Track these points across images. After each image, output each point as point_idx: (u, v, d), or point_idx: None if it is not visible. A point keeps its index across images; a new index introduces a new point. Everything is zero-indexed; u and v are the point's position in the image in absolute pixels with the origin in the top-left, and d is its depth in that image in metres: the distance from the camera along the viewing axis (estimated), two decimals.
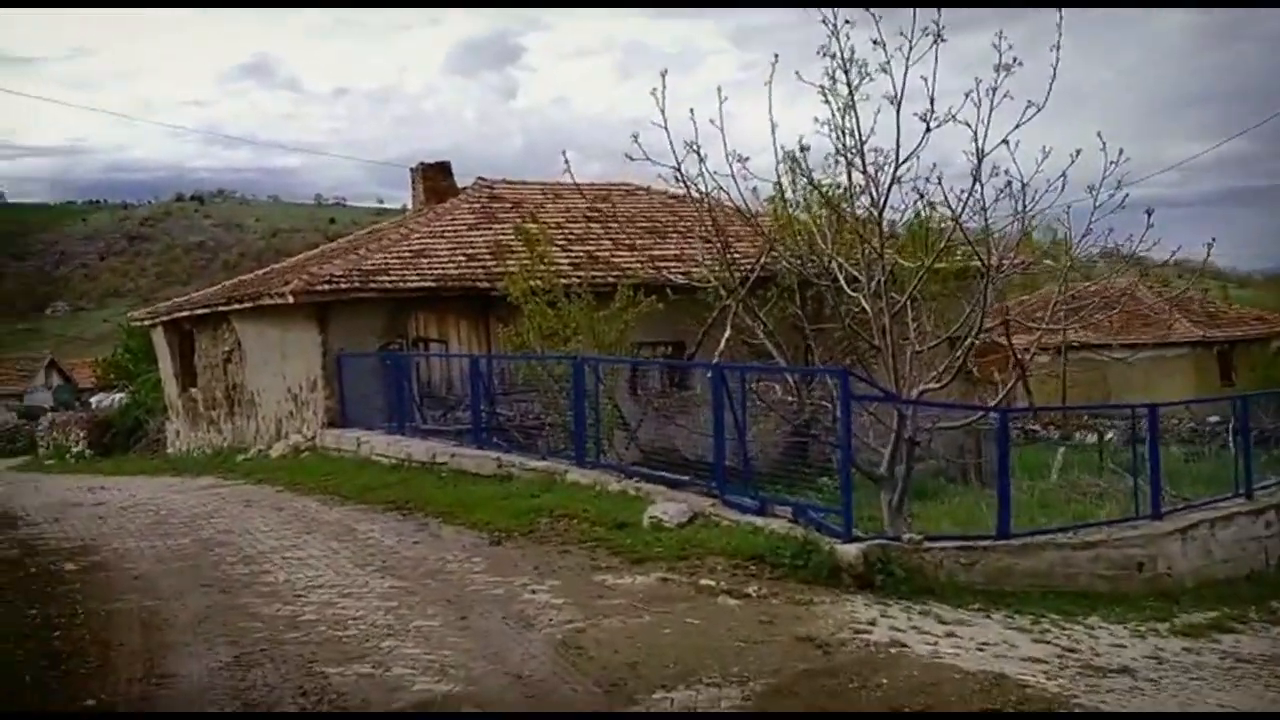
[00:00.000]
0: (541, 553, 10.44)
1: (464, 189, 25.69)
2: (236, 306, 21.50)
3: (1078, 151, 12.25)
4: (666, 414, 17.91)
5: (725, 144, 12.99)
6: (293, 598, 8.97)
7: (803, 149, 12.98)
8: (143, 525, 13.35)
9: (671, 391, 19.00)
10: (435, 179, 26.27)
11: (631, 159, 12.89)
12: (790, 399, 13.06)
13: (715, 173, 13.21)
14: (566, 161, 15.50)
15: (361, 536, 11.72)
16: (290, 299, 18.80)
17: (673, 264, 21.48)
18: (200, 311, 23.65)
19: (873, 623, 8.32)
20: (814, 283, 13.62)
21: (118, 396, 38.90)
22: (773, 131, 12.64)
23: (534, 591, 8.94)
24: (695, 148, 12.77)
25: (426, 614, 8.35)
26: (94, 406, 41.84)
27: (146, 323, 28.23)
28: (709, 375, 11.71)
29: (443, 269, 20.29)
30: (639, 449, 16.23)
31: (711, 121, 13.02)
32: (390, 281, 19.46)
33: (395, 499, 13.76)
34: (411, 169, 26.84)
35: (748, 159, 12.87)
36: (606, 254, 22.09)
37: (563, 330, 16.20)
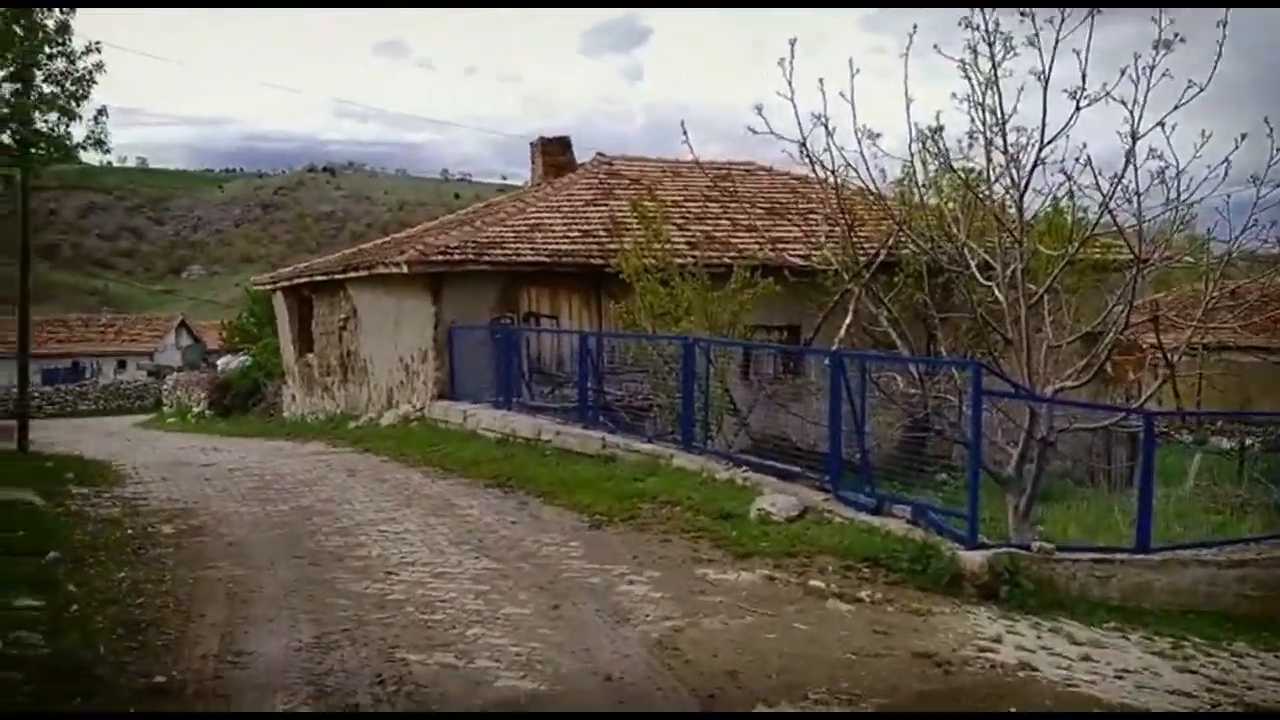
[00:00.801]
0: (642, 540, 9.96)
1: (582, 164, 25.34)
2: (353, 275, 21.54)
3: (1242, 136, 11.22)
4: (779, 400, 17.29)
5: (855, 119, 12.25)
6: (383, 575, 8.67)
7: (938, 128, 12.15)
8: (246, 489, 13.31)
9: (785, 377, 18.35)
10: (555, 153, 25.94)
11: (755, 132, 12.26)
12: (913, 391, 12.30)
13: (842, 149, 12.46)
14: (685, 133, 14.77)
15: (460, 512, 11.42)
16: (404, 269, 18.68)
17: (792, 246, 20.78)
18: (319, 278, 23.81)
19: (998, 639, 7.62)
20: (946, 269, 12.78)
21: (240, 359, 39.78)
22: (907, 107, 11.89)
23: (631, 583, 8.47)
24: (823, 121, 12.05)
25: (518, 600, 7.95)
26: (219, 368, 42.99)
27: (268, 287, 28.65)
28: (827, 363, 11.05)
29: (557, 244, 19.95)
30: (749, 436, 15.66)
31: (841, 94, 12.29)
32: (504, 255, 19.19)
33: (498, 475, 13.47)
34: (531, 143, 26.55)
35: (879, 135, 12.11)
36: (724, 234, 21.46)
37: (675, 310, 15.69)
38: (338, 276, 22.42)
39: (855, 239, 13.90)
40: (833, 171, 12.73)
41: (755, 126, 12.31)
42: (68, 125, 10.23)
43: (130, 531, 10.41)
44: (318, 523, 10.96)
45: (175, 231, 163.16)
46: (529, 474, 13.25)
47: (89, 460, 17.13)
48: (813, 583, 8.59)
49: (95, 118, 11.09)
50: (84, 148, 12.29)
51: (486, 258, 18.89)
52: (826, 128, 12.09)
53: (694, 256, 18.18)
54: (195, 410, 32.82)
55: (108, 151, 12.00)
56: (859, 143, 12.37)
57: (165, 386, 40.03)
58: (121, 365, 63.03)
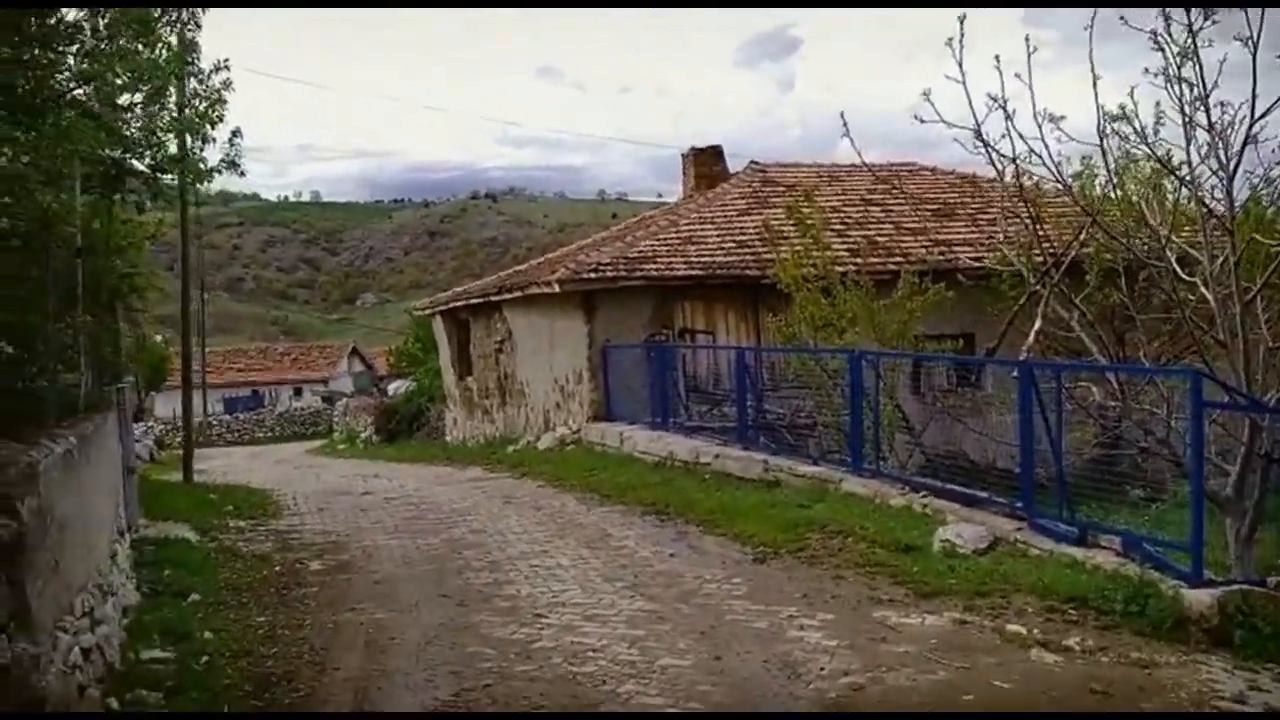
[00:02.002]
0: (812, 576, 9.04)
1: (735, 174, 24.53)
2: (507, 296, 21.28)
3: None
4: (955, 415, 16.04)
5: (1034, 102, 11.06)
6: (531, 618, 8.02)
7: (1131, 106, 10.83)
8: (399, 521, 12.97)
9: (960, 390, 17.07)
10: (707, 164, 25.23)
11: (921, 121, 11.21)
12: (1113, 403, 10.99)
13: (1021, 135, 11.25)
14: (845, 124, 13.74)
15: (615, 544, 10.73)
16: (556, 288, 18.25)
17: (962, 249, 19.49)
18: (474, 301, 23.70)
19: (1240, 699, 6.41)
20: (1146, 263, 11.41)
21: (406, 384, 40.41)
22: (1094, 84, 10.62)
23: (802, 627, 7.57)
24: (1001, 103, 10.88)
25: (676, 649, 7.17)
26: (390, 393, 43.87)
27: (427, 312, 28.84)
28: (1014, 374, 9.91)
29: (711, 256, 19.22)
30: (923, 454, 14.49)
31: (1017, 75, 11.14)
32: (657, 269, 18.57)
33: (655, 501, 12.76)
34: (683, 154, 25.93)
35: (1062, 118, 10.87)
36: (887, 238, 20.34)
37: (837, 321, 14.69)
38: (493, 299, 22.21)
39: (1040, 235, 12.60)
40: (1013, 159, 11.51)
41: (922, 115, 11.26)
42: (202, 148, 10.07)
43: (278, 569, 10.11)
44: (468, 557, 10.44)
45: (349, 261, 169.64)
46: (687, 500, 12.49)
47: (252, 490, 17.22)
48: (1011, 628, 7.51)
49: (230, 139, 10.97)
50: (219, 171, 12.20)
51: (639, 273, 18.29)
52: (1005, 109, 10.90)
53: (856, 264, 17.14)
54: (363, 436, 33.36)
55: (243, 174, 11.83)
56: (1039, 128, 11.16)
57: (335, 413, 40.98)
58: (298, 392, 65.32)
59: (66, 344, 6.90)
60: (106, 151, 7.96)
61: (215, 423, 48.59)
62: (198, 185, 10.55)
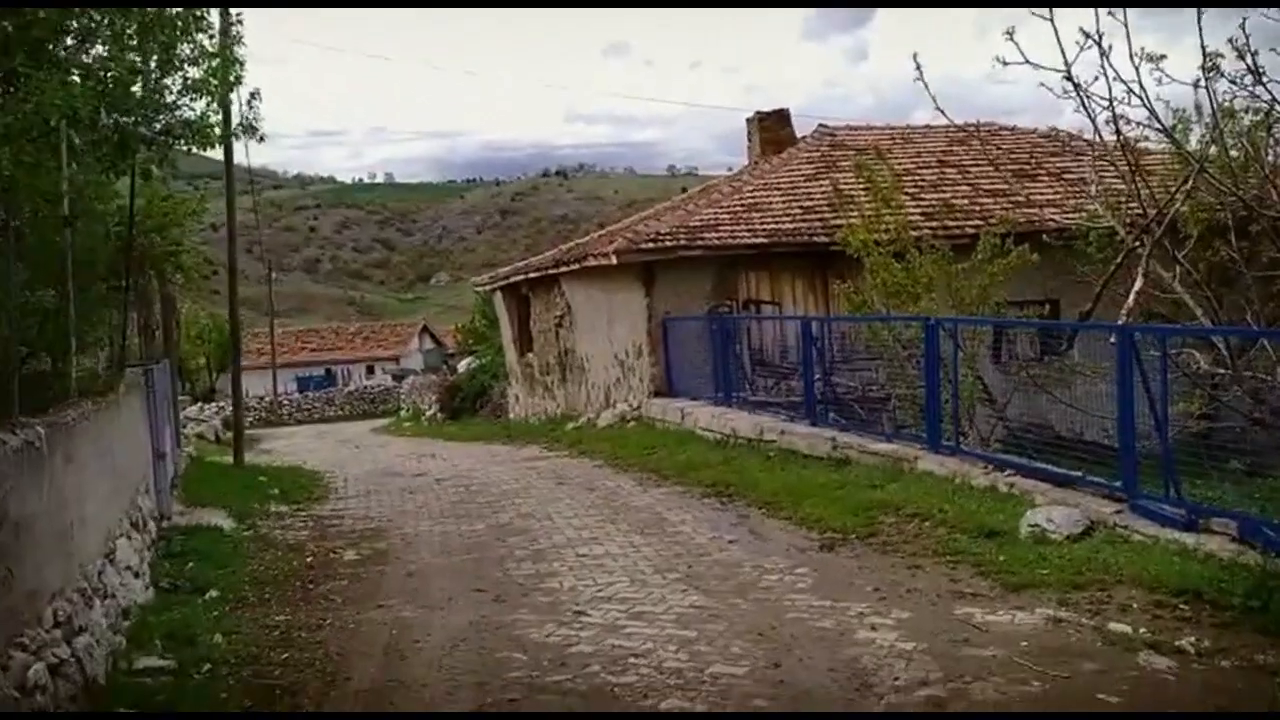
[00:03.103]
0: (885, 566, 8.18)
1: (803, 138, 23.46)
2: (565, 269, 20.56)
3: None
4: (1041, 385, 14.94)
5: (1129, 40, 9.97)
6: (572, 615, 7.28)
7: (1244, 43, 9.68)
8: (446, 504, 12.35)
9: (1046, 359, 15.93)
10: (773, 129, 24.14)
11: (1005, 63, 10.17)
12: (1221, 370, 9.91)
13: (1117, 77, 10.15)
14: (919, 67, 12.58)
15: (670, 530, 9.96)
16: (613, 259, 17.46)
17: (1045, 210, 18.30)
18: (534, 275, 23.02)
19: None
20: (1259, 214, 10.27)
21: (473, 361, 40.03)
22: (1199, 17, 9.50)
23: (874, 627, 6.72)
24: (1096, 39, 9.77)
25: (729, 653, 6.36)
26: (459, 370, 43.59)
27: (488, 287, 28.27)
28: (1112, 339, 8.89)
29: (776, 223, 18.28)
30: (1006, 428, 13.46)
31: (1110, 13, 10.04)
32: (718, 238, 17.68)
33: (715, 481, 11.98)
34: (748, 119, 24.87)
35: (1162, 57, 9.75)
36: (965, 201, 19.21)
37: (912, 287, 13.66)
38: (551, 272, 21.51)
39: (1140, 185, 11.45)
40: (1109, 103, 10.40)
41: (1005, 57, 10.21)
42: (217, 111, 9.43)
43: (310, 559, 9.51)
44: (511, 544, 9.74)
45: (422, 241, 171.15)
46: (750, 480, 11.68)
47: (304, 472, 16.76)
48: (1114, 626, 6.58)
49: (249, 101, 10.35)
50: (236, 135, 11.55)
51: (699, 242, 17.43)
52: (1101, 46, 9.81)
53: (930, 227, 16.10)
54: (427, 413, 33.02)
55: (262, 139, 11.19)
56: (1136, 70, 10.06)
57: (402, 390, 40.79)
58: (370, 370, 65.63)
59: (40, 321, 6.28)
60: (105, 115, 7.35)
61: (285, 401, 48.84)
62: (207, 150, 9.91)
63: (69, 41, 7.12)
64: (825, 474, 11.39)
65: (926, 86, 12.57)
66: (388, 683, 6.01)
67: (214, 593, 7.88)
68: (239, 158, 18.13)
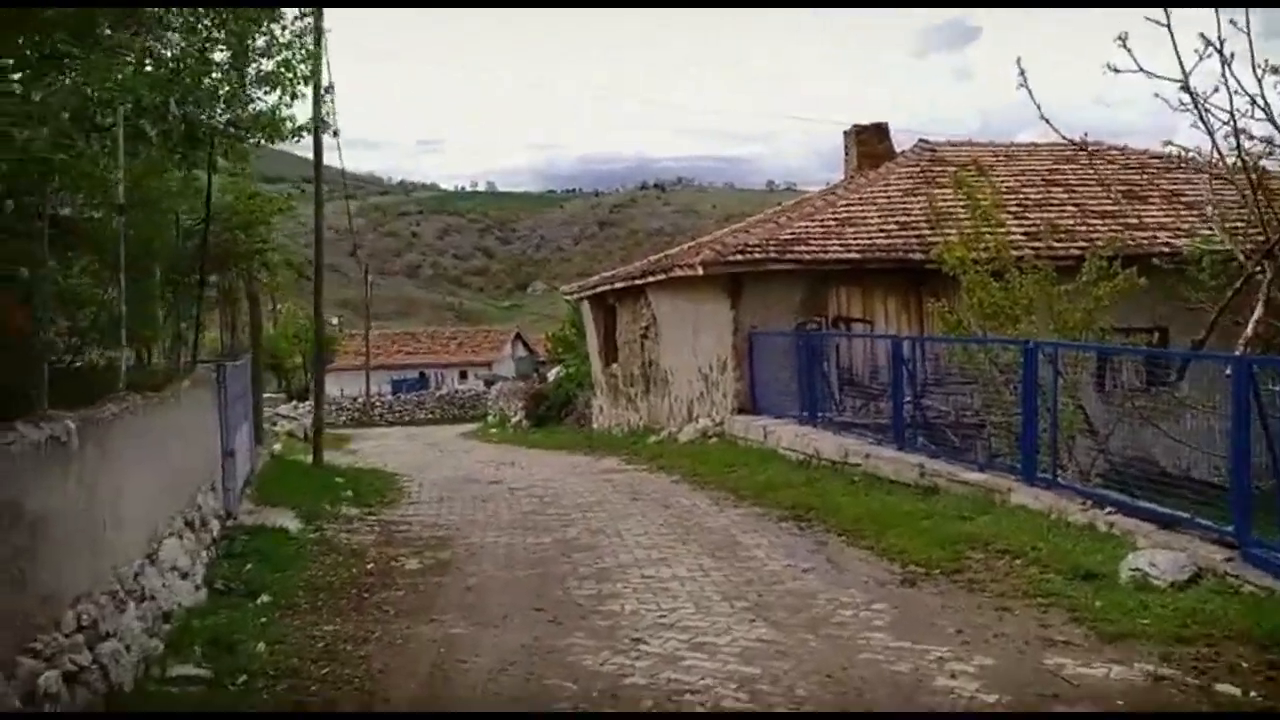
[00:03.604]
0: (970, 606, 7.60)
1: (902, 153, 22.77)
2: (651, 279, 20.23)
3: None
4: (1146, 417, 14.09)
5: (1252, 52, 9.23)
6: (630, 643, 6.87)
7: None
8: (516, 515, 12.07)
9: (1153, 390, 15.04)
10: (870, 142, 23.48)
11: (1116, 71, 9.52)
12: None
13: (1242, 86, 9.41)
14: (1022, 73, 11.87)
15: (743, 554, 9.50)
16: (699, 270, 17.06)
17: (1156, 232, 17.40)
18: (620, 285, 22.72)
19: None
20: None
21: (560, 370, 39.97)
22: None
23: (954, 675, 6.18)
24: (1217, 46, 9.07)
25: (794, 695, 5.90)
26: (548, 378, 43.61)
27: (575, 296, 28.09)
28: (1228, 371, 8.19)
29: (870, 239, 17.69)
30: (1108, 462, 12.67)
31: (1232, 21, 9.32)
32: (809, 252, 17.16)
33: (795, 505, 11.48)
34: (845, 132, 24.25)
35: None
36: (1070, 221, 18.35)
37: (1010, 308, 12.97)
38: (637, 282, 21.19)
39: (1261, 208, 10.66)
40: (1230, 117, 9.67)
41: (1117, 65, 9.55)
42: (289, 105, 9.30)
43: (370, 566, 9.27)
44: (575, 561, 9.39)
45: (521, 250, 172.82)
46: (831, 505, 11.15)
47: (381, 475, 16.67)
48: (1221, 688, 5.94)
49: (325, 95, 10.16)
50: (307, 130, 11.40)
51: (789, 255, 16.93)
52: (1222, 54, 9.10)
53: (1034, 247, 15.35)
54: (513, 420, 32.96)
55: (336, 134, 11.05)
56: (1259, 82, 9.32)
57: (490, 396, 40.89)
58: (463, 375, 66.18)
59: (95, 313, 6.09)
60: (175, 105, 7.20)
61: (378, 403, 49.38)
62: (273, 143, 9.76)
63: (117, 28, 6.90)
64: (911, 502, 10.81)
65: (1031, 94, 11.92)
66: (426, 706, 5.68)
67: (266, 597, 7.67)
68: (343, 162, 18.21)
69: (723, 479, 13.72)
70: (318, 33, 17.76)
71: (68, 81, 5.30)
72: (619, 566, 9.11)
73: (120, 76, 6.64)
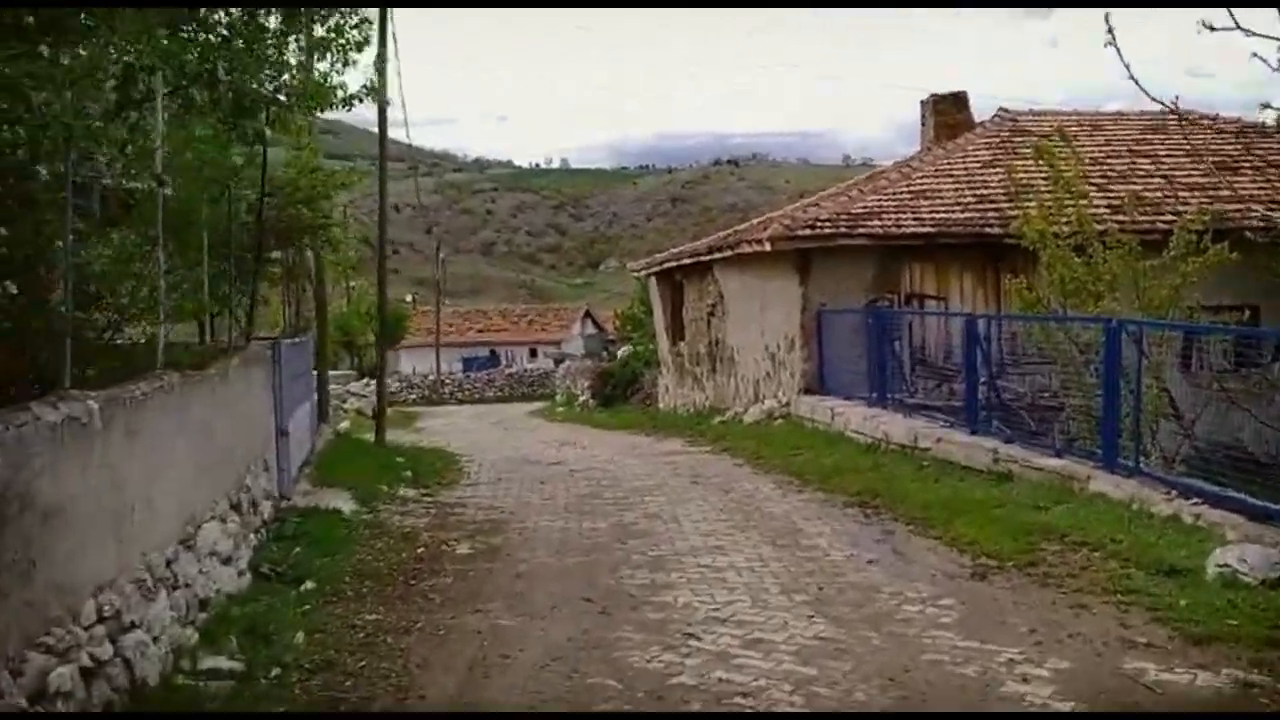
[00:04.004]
0: (1044, 603, 7.16)
1: (981, 123, 21.99)
2: (718, 255, 19.82)
3: None
4: (1235, 401, 13.38)
5: None
6: (681, 638, 6.57)
7: None
8: (574, 498, 11.83)
9: (1243, 371, 14.31)
10: (948, 112, 22.65)
11: (1211, 29, 8.85)
12: None
13: None
14: (1110, 30, 11.12)
15: (805, 543, 9.13)
16: (767, 246, 16.62)
17: (1248, 205, 16.54)
18: (687, 262, 22.34)
19: None
20: None
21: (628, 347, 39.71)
22: None
23: (1026, 679, 5.77)
24: None
25: (852, 699, 5.55)
26: (617, 356, 43.39)
27: (642, 273, 27.78)
28: None
29: (946, 212, 17.09)
30: (1194, 448, 12.04)
31: None
32: (881, 226, 16.61)
33: (861, 491, 11.07)
34: (921, 102, 23.46)
35: None
36: (1157, 193, 17.54)
37: (1093, 284, 12.36)
38: (704, 259, 20.79)
39: None
40: None
41: (1212, 22, 8.87)
42: (340, 72, 9.07)
43: (421, 550, 9.08)
44: (630, 548, 9.10)
45: (594, 227, 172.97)
46: (899, 492, 10.72)
47: (443, 455, 16.57)
48: None
49: (375, 64, 9.95)
50: (358, 99, 11.18)
51: (861, 230, 16.41)
52: None
53: (1119, 221, 14.66)
54: (580, 399, 32.81)
55: (388, 104, 10.80)
56: None
57: (558, 375, 40.81)
58: (533, 353, 66.25)
59: (133, 287, 5.90)
60: (223, 72, 7.00)
61: (447, 380, 49.61)
62: (319, 113, 9.55)
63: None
64: (984, 489, 10.34)
65: (1119, 51, 11.20)
66: (463, 703, 5.43)
67: (310, 584, 7.50)
68: (410, 137, 18.06)
69: (787, 462, 13.34)
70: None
71: (102, 47, 5.07)
72: (674, 554, 8.81)
73: (165, 42, 6.45)
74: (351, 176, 14.89)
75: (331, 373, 38.76)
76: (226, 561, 6.98)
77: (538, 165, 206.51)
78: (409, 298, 74.03)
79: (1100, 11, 9.03)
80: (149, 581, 5.25)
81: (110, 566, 4.85)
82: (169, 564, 5.65)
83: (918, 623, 6.84)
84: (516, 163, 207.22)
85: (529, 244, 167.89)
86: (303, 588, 7.42)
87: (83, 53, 4.96)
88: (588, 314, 72.07)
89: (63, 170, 5.10)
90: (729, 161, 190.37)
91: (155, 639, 5.19)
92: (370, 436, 18.45)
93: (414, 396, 45.71)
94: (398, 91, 10.80)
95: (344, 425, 21.65)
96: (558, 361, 53.62)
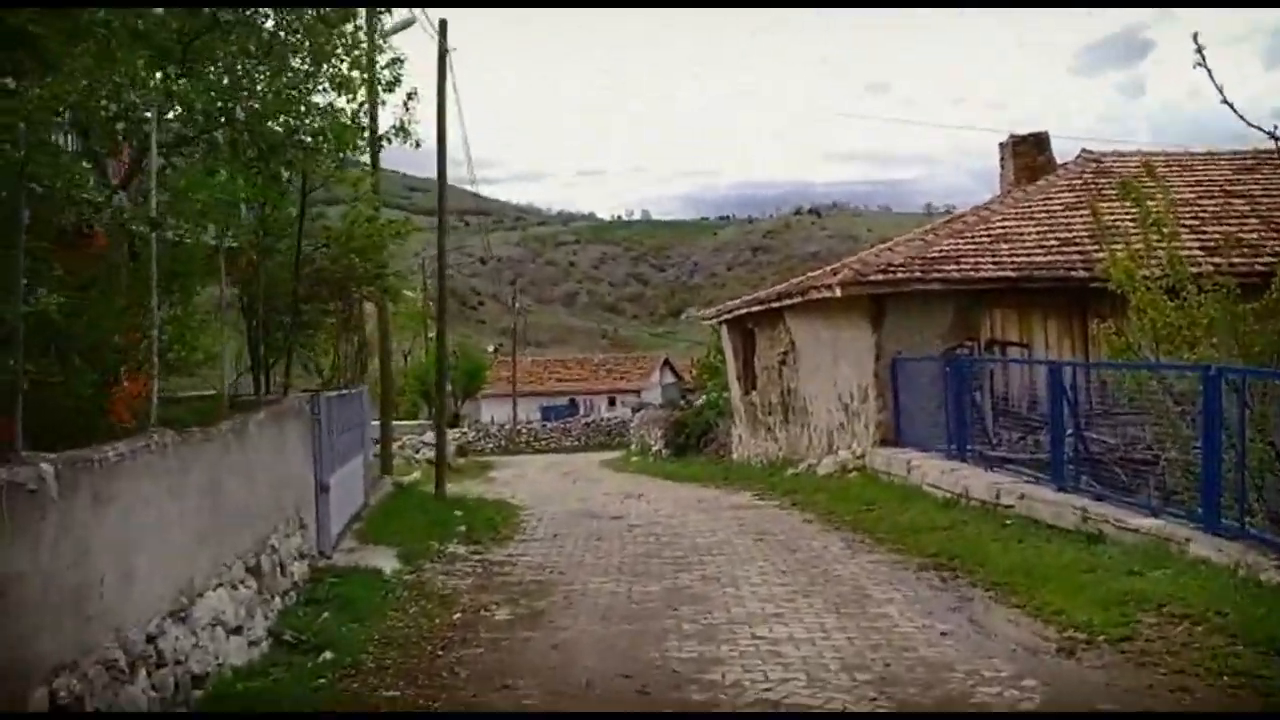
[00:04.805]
0: (1140, 686, 6.33)
1: (1063, 165, 21.07)
2: (788, 302, 19.15)
3: None
4: None
5: None
6: None
7: None
8: (629, 556, 11.22)
9: None
10: (1028, 155, 21.75)
11: None
12: None
13: None
14: (1201, 52, 10.27)
15: (872, 611, 8.37)
16: (837, 291, 15.94)
17: None
18: (758, 309, 21.70)
19: None
20: None
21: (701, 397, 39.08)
22: None
23: None
24: None
25: None
26: (694, 405, 42.74)
27: (712, 321, 27.19)
28: None
29: (1028, 255, 16.29)
30: None
31: None
32: (959, 271, 15.84)
33: (938, 552, 10.29)
34: (1000, 144, 22.62)
35: None
36: (1253, 234, 16.52)
37: (1188, 329, 11.43)
38: (774, 306, 20.14)
39: None
40: None
41: None
42: (368, 113, 8.66)
43: (457, 616, 8.52)
44: (681, 615, 8.43)
45: (675, 277, 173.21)
46: (979, 553, 9.90)
47: (503, 508, 16.05)
48: None
49: (404, 103, 9.61)
50: (388, 139, 10.80)
51: (936, 274, 15.66)
52: None
53: (1213, 263, 13.69)
54: (653, 449, 32.21)
55: (418, 145, 10.44)
56: None
57: (632, 424, 40.31)
58: (611, 402, 65.89)
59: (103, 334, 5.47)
60: (240, 112, 6.66)
61: (524, 430, 49.40)
62: (344, 153, 9.18)
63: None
64: (1072, 551, 9.46)
65: (1210, 74, 10.41)
66: None
67: (329, 654, 6.97)
68: (504, 194, 17.92)
69: (859, 518, 12.58)
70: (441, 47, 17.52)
71: (71, 83, 4.69)
72: (729, 623, 8.12)
73: (172, 80, 6.11)
74: (408, 226, 14.59)
75: (405, 423, 38.90)
76: (236, 631, 6.49)
77: (619, 217, 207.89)
78: (491, 348, 74.45)
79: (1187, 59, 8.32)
80: (121, 662, 4.74)
81: (70, 648, 4.36)
82: (153, 640, 5.15)
83: (994, 708, 6.06)
84: (599, 215, 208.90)
85: (611, 294, 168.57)
86: (320, 658, 6.89)
87: (38, 91, 4.55)
88: (666, 362, 71.65)
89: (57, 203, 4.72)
90: (810, 210, 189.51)
91: None
92: (429, 489, 18.06)
93: (490, 446, 45.53)
94: (461, 138, 10.38)
95: (414, 476, 21.33)
96: (635, 410, 53.15)
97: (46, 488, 4.16)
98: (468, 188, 51.35)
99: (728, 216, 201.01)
